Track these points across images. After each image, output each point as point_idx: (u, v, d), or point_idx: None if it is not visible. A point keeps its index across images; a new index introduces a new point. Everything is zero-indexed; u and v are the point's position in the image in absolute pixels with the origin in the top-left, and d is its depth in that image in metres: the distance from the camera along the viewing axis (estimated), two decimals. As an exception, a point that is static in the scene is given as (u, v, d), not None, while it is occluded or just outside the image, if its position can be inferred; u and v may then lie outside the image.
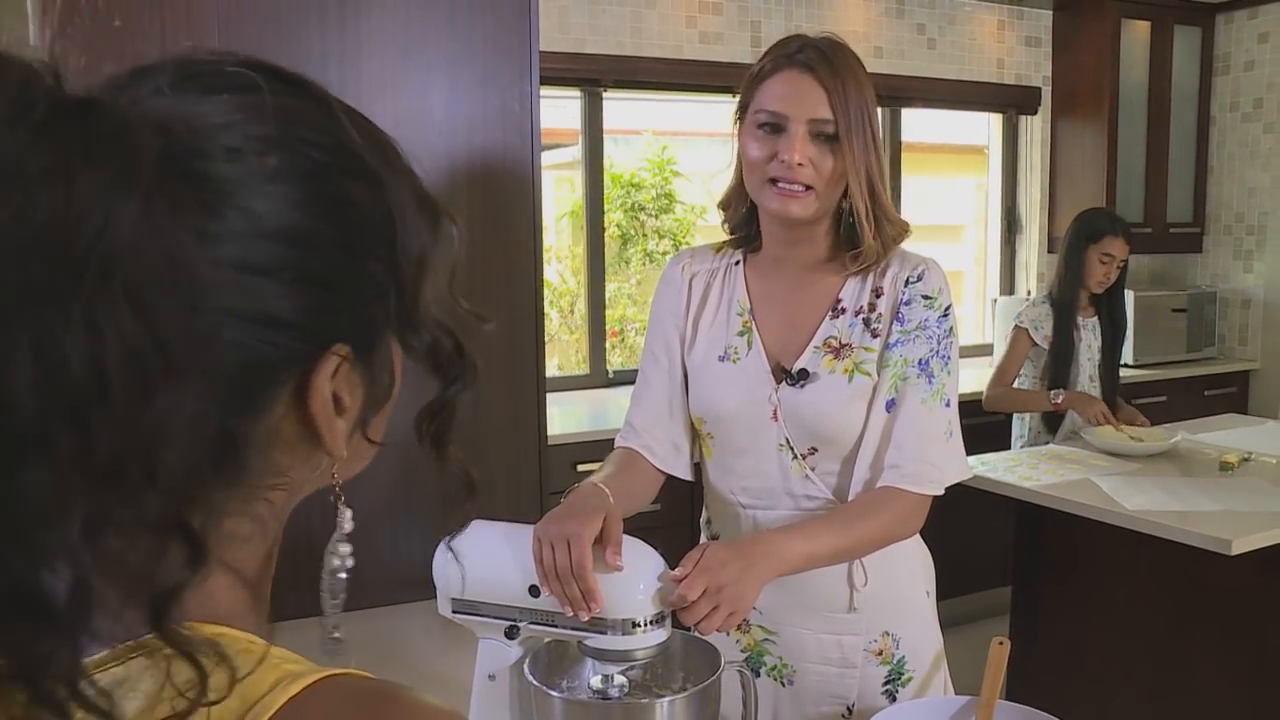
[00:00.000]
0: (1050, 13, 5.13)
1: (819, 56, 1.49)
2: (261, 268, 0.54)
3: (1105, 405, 3.54)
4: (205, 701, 0.50)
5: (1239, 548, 2.42)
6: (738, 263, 1.67)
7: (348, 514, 0.64)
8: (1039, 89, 5.17)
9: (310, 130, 0.58)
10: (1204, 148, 5.32)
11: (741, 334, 1.62)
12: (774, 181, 1.50)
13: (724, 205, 1.68)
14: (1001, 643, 1.46)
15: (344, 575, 0.64)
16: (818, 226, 1.56)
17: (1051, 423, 3.66)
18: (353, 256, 0.58)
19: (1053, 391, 3.56)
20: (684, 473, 1.70)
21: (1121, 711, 2.95)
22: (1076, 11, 5.04)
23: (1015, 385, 3.72)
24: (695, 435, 1.69)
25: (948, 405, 1.55)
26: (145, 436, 0.47)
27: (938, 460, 1.52)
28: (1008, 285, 5.35)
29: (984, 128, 5.32)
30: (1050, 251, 5.27)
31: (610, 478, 1.51)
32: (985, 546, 3.98)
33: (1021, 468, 3.11)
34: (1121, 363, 3.84)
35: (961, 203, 5.46)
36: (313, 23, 1.94)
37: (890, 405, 1.52)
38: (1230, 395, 5.01)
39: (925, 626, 1.66)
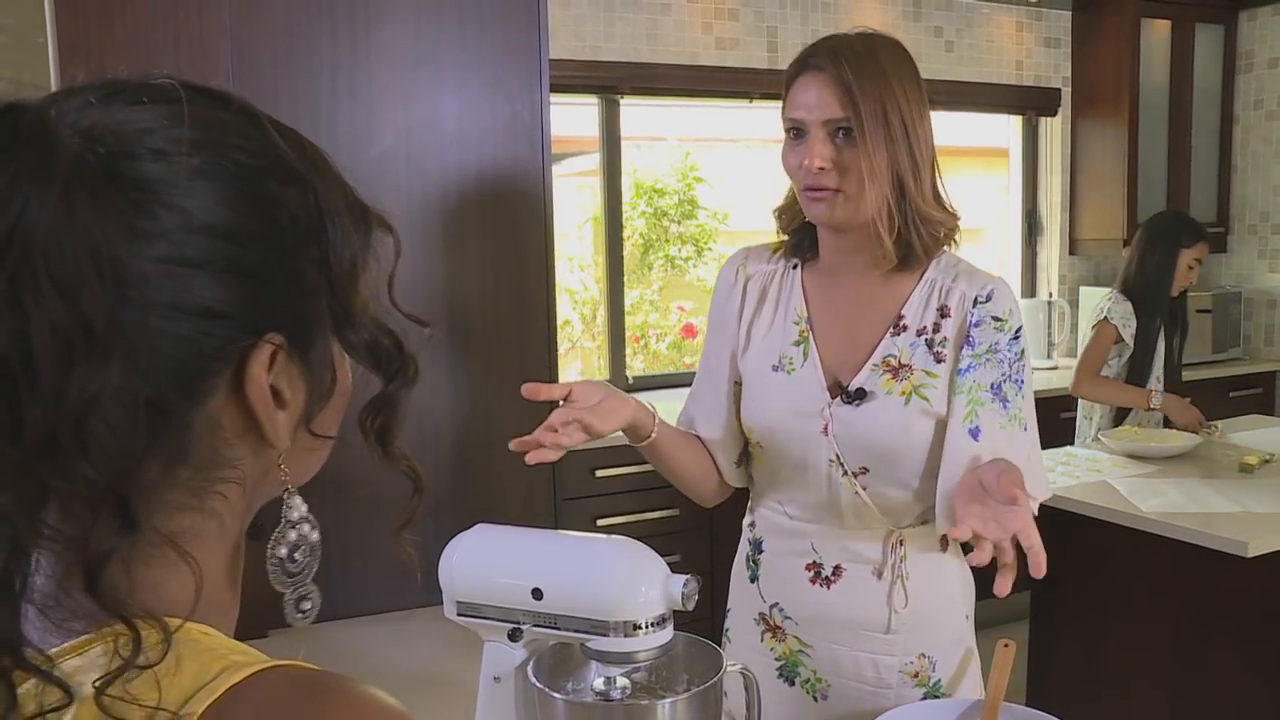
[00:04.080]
0: (1069, 13, 5.11)
1: (830, 56, 1.46)
2: (191, 261, 0.56)
3: (1200, 414, 3.55)
4: (140, 664, 0.53)
5: (1255, 549, 2.41)
6: (795, 266, 1.63)
7: (296, 500, 0.65)
8: (1059, 90, 5.15)
9: (235, 136, 0.60)
10: (1227, 146, 5.27)
11: (798, 344, 1.58)
12: (806, 191, 1.49)
13: (779, 213, 1.64)
14: (1007, 644, 1.46)
15: (299, 558, 0.65)
16: (865, 228, 1.49)
17: (1120, 421, 3.66)
18: (281, 253, 0.60)
19: (1152, 393, 3.56)
20: (734, 481, 1.70)
21: (1141, 714, 2.93)
22: (1096, 11, 5.02)
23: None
24: (745, 443, 1.67)
25: (1025, 429, 1.51)
26: (72, 408, 0.50)
27: (1030, 477, 1.45)
28: (1029, 287, 5.32)
29: (1004, 129, 5.30)
30: (1072, 253, 5.24)
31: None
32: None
33: (1039, 470, 3.10)
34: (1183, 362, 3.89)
35: (982, 204, 5.44)
36: (323, 33, 1.96)
37: (976, 433, 1.47)
38: (1256, 396, 4.97)
39: (963, 649, 1.61)
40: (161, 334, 0.55)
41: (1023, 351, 1.52)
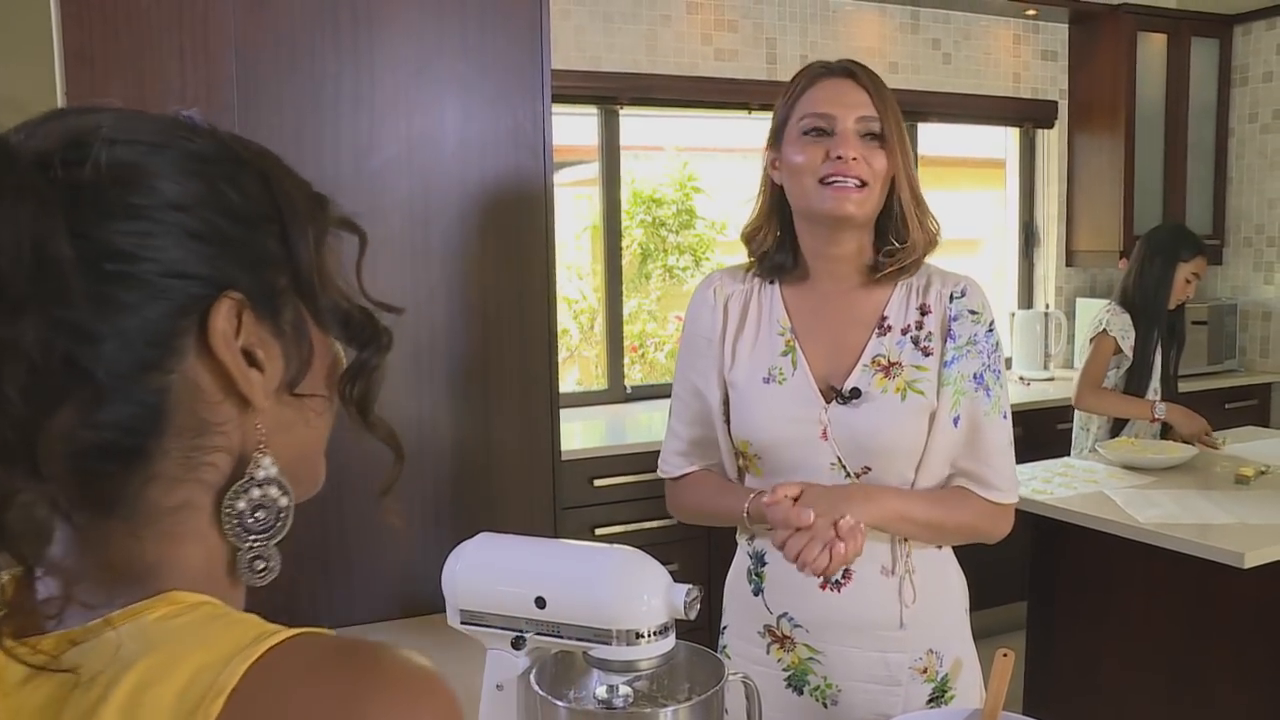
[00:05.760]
0: (1066, 26, 5.14)
1: (855, 65, 1.59)
2: (147, 230, 0.60)
3: (1206, 424, 3.55)
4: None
5: (1252, 560, 2.41)
6: (773, 282, 1.67)
7: (265, 460, 0.66)
8: (1056, 102, 5.17)
9: (183, 131, 0.65)
10: (1223, 159, 5.31)
11: (785, 353, 1.61)
12: (826, 183, 1.53)
13: (749, 237, 1.68)
14: (1005, 654, 1.46)
15: (260, 517, 0.65)
16: (864, 231, 1.59)
17: (1118, 433, 3.66)
18: (236, 222, 0.64)
19: (1156, 403, 3.57)
20: None
21: (1138, 725, 2.94)
22: (1093, 24, 5.05)
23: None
24: (735, 458, 1.68)
25: (1005, 418, 1.59)
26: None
27: (1005, 470, 1.59)
28: (1026, 299, 5.34)
29: (1001, 141, 5.32)
30: (1069, 265, 5.26)
31: (726, 484, 1.67)
32: (1001, 561, 3.96)
33: (1035, 481, 3.11)
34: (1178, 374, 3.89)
35: (979, 216, 5.46)
36: (327, 40, 1.97)
37: (958, 421, 1.55)
38: (1252, 408, 4.98)
39: (965, 645, 1.66)
40: (129, 297, 0.59)
41: (998, 343, 1.61)
